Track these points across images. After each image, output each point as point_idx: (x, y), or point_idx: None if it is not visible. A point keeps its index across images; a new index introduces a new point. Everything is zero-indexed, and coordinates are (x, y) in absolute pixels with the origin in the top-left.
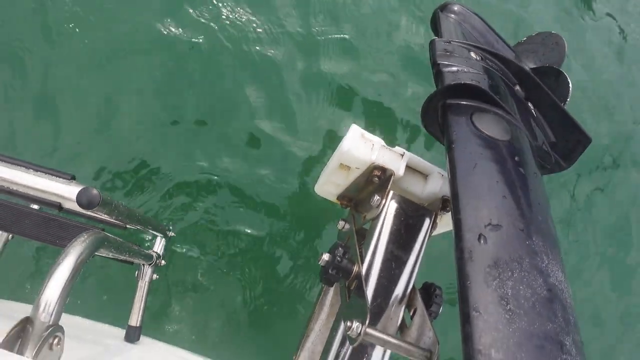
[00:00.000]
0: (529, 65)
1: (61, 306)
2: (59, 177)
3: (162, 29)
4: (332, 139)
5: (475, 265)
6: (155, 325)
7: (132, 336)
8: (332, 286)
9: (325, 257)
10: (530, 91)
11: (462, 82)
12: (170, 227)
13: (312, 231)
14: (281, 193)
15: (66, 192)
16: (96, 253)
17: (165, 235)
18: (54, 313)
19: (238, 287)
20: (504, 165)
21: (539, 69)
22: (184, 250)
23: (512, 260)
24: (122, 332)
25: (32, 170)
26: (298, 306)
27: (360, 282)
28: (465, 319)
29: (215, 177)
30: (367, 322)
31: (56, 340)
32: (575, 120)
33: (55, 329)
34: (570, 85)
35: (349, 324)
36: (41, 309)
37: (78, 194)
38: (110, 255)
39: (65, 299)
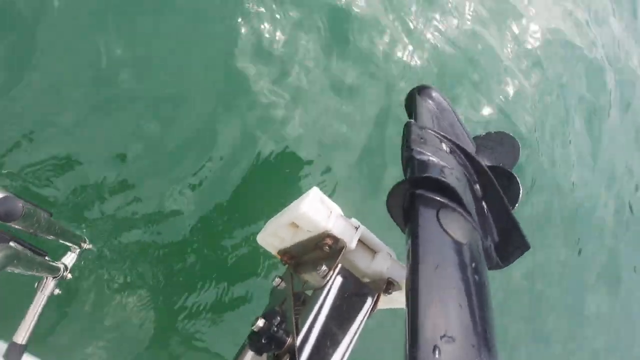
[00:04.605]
0: (485, 162)
1: None
2: None
3: None
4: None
5: None
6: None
7: (13, 354)
8: (260, 355)
9: (260, 323)
10: (486, 191)
11: (435, 177)
12: (86, 239)
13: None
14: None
15: None
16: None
17: (79, 247)
18: None
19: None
20: (463, 272)
21: (494, 168)
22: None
23: None
24: (3, 347)
25: None
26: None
27: (293, 357)
28: None
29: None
30: None
31: None
32: (521, 227)
33: None
34: (521, 192)
35: None
36: None
37: None
38: (16, 271)
39: None
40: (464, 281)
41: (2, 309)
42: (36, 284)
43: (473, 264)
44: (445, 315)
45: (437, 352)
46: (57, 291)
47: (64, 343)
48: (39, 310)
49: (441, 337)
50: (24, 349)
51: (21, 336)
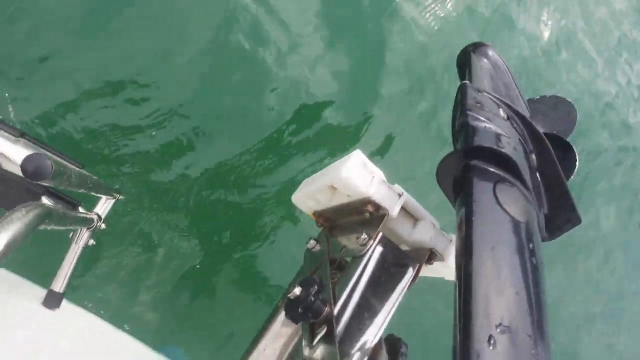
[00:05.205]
0: (539, 128)
1: None
2: (4, 130)
3: None
4: None
5: None
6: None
7: (52, 302)
8: (296, 324)
9: (297, 291)
10: (541, 162)
11: (496, 149)
12: (119, 190)
13: None
14: None
15: (10, 151)
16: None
17: (112, 197)
18: None
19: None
20: (520, 254)
21: (549, 136)
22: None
23: None
24: (43, 293)
25: None
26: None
27: (330, 328)
28: None
29: None
30: None
31: None
32: (574, 200)
33: None
34: (577, 163)
35: None
36: None
37: (25, 160)
38: (49, 228)
39: None
40: (521, 265)
41: (40, 258)
42: (70, 235)
43: (530, 245)
44: (501, 302)
45: (492, 342)
46: (91, 242)
47: (100, 290)
48: (75, 260)
49: (496, 327)
50: (61, 297)
51: (59, 285)
